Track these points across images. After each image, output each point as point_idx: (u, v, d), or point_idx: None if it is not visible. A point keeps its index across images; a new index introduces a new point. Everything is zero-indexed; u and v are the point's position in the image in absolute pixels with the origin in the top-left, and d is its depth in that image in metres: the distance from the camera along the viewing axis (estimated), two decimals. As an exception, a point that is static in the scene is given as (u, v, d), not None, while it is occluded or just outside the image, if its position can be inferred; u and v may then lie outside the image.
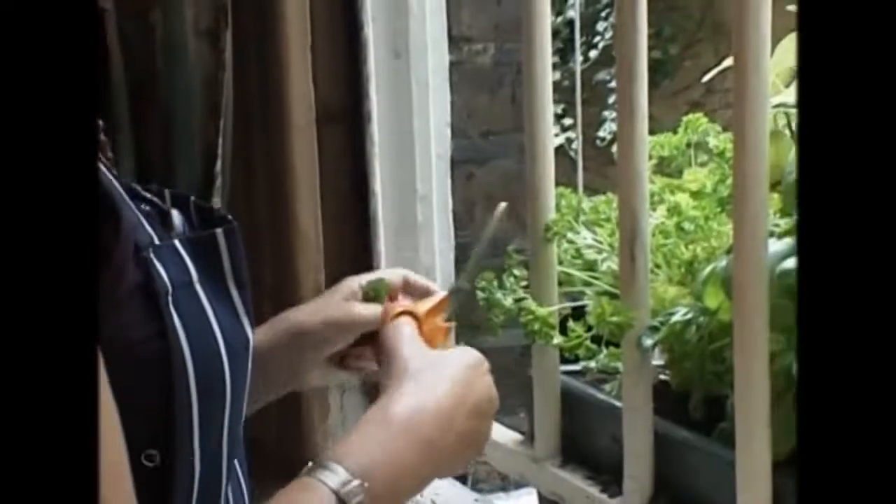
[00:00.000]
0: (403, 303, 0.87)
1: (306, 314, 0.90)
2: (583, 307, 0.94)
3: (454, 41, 1.30)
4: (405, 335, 0.79)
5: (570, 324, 0.89)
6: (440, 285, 0.94)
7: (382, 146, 1.20)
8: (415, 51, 1.19)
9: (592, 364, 0.90)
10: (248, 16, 1.09)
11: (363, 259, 1.21)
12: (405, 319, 0.81)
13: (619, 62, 0.83)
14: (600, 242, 0.94)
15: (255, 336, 0.76)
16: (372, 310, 0.87)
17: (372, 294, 0.89)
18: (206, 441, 0.66)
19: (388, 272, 0.94)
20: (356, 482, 0.64)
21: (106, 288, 0.60)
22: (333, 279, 1.16)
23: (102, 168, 0.65)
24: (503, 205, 0.90)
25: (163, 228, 0.70)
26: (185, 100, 1.09)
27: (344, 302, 0.89)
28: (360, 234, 1.21)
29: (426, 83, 1.21)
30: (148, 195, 0.73)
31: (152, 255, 0.65)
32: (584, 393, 0.96)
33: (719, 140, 0.96)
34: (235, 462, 0.71)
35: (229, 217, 0.73)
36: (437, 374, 0.73)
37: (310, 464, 0.67)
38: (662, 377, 0.92)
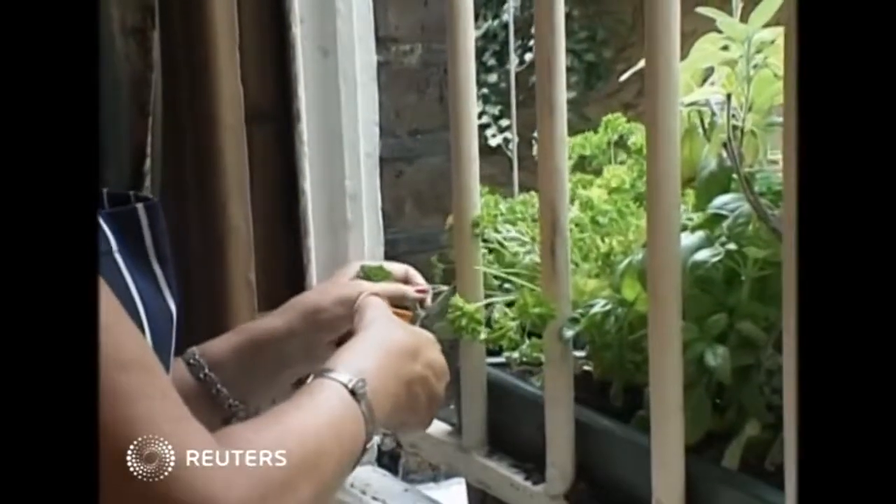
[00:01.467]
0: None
1: (318, 294, 0.95)
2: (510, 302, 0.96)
3: (382, 42, 1.31)
4: (377, 303, 0.89)
5: (495, 314, 0.91)
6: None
7: (312, 145, 1.21)
8: (342, 49, 1.21)
9: (515, 355, 0.92)
10: (175, 15, 1.10)
11: (294, 257, 1.22)
12: (377, 298, 0.91)
13: (537, 62, 0.86)
14: (524, 235, 0.96)
15: (271, 322, 0.89)
16: (379, 287, 0.94)
17: (366, 277, 0.95)
18: None
19: (392, 264, 1.00)
20: (358, 378, 0.74)
21: None
22: (265, 277, 1.18)
23: None
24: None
25: None
26: (114, 99, 1.10)
27: (352, 281, 0.96)
28: (290, 232, 1.22)
29: (354, 81, 1.22)
30: None
31: None
32: (509, 384, 0.98)
33: (637, 138, 0.99)
34: None
35: (149, 196, 0.74)
36: (400, 325, 0.87)
37: (311, 376, 0.75)
38: (586, 368, 0.95)
